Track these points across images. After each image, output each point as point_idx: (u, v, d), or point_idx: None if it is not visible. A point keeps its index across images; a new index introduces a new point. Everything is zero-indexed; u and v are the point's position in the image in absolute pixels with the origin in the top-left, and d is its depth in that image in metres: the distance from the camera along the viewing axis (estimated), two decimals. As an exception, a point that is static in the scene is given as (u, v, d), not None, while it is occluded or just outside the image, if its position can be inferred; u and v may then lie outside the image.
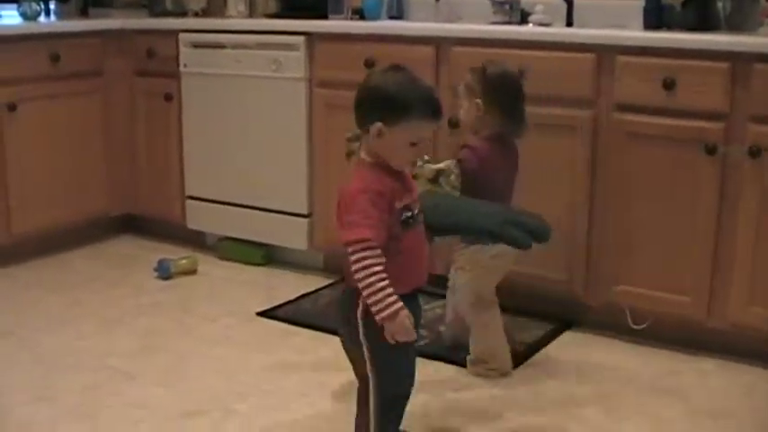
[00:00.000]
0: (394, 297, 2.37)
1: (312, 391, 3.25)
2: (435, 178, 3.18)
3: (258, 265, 4.57)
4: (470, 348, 3.42)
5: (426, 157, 3.19)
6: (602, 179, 3.59)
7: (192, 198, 4.76)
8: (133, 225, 5.12)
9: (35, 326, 3.82)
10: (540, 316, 3.84)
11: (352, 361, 2.65)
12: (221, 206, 4.65)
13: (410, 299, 2.50)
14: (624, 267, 3.58)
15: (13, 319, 3.89)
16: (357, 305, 2.48)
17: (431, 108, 2.48)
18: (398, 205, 2.48)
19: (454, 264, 3.45)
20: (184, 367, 3.45)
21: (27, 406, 3.14)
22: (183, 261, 4.47)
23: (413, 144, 2.46)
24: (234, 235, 4.67)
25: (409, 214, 2.50)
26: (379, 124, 2.44)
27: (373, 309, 2.38)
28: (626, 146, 3.50)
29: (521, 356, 3.51)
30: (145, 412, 3.11)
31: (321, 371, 3.40)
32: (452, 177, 3.21)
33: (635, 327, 3.65)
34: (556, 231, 3.65)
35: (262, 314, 3.93)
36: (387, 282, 2.37)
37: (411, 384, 2.64)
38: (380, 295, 2.37)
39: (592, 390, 3.27)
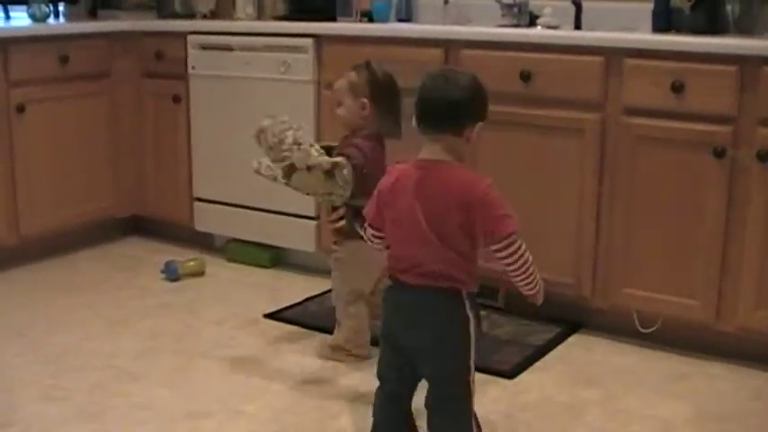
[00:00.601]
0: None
1: (320, 393, 3.25)
2: (331, 171, 3.17)
3: (265, 267, 4.57)
4: (334, 336, 3.52)
5: (294, 137, 3.23)
6: (609, 182, 3.58)
7: (199, 200, 4.76)
8: (141, 226, 5.13)
9: (43, 326, 3.83)
10: (547, 319, 3.83)
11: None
12: (229, 208, 4.66)
13: None
14: (632, 270, 3.57)
15: (21, 320, 3.90)
16: (464, 303, 2.54)
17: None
18: None
19: (334, 253, 3.52)
20: (191, 369, 3.46)
21: (36, 405, 3.14)
22: (191, 263, 4.47)
23: None
24: (241, 237, 4.67)
25: None
26: (480, 125, 2.55)
27: (533, 287, 2.57)
28: (634, 149, 3.49)
29: (529, 360, 3.50)
30: (151, 413, 3.11)
31: (328, 373, 3.40)
32: (345, 172, 3.18)
33: (643, 330, 3.64)
34: (564, 234, 3.66)
35: (269, 316, 3.93)
36: None
37: None
38: (533, 268, 2.55)
39: (599, 393, 3.27)
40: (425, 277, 2.52)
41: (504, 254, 2.51)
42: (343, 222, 3.32)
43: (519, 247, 2.52)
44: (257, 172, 3.30)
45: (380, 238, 2.67)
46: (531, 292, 2.60)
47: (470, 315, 2.55)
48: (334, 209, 3.36)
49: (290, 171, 3.21)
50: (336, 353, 3.50)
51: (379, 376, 2.70)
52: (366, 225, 2.68)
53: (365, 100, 3.39)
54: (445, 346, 2.53)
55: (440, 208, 2.48)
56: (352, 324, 3.49)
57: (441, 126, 2.52)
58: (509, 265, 2.53)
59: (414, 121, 2.57)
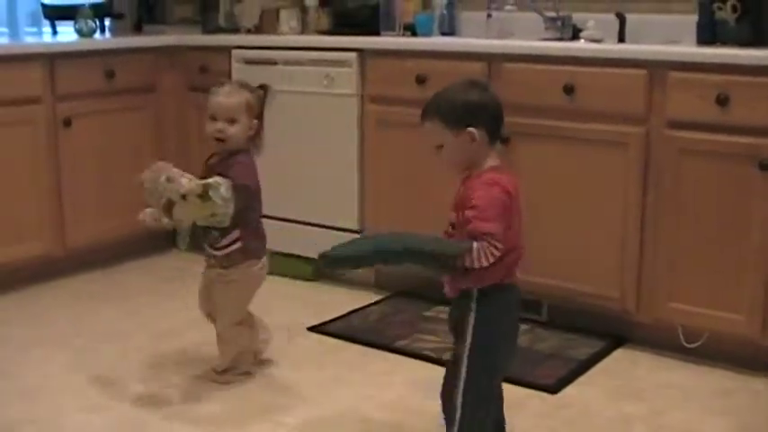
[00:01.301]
0: None
1: (361, 406, 3.25)
2: (205, 193, 3.14)
3: (308, 280, 4.58)
4: (219, 360, 3.47)
5: (166, 176, 3.19)
6: (654, 195, 3.56)
7: (243, 213, 4.78)
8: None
9: (89, 337, 3.86)
10: (591, 333, 3.82)
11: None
12: (272, 221, 4.67)
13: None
14: (677, 284, 3.54)
15: (67, 330, 3.93)
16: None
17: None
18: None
19: (223, 277, 3.41)
20: (235, 381, 3.47)
21: (81, 415, 3.17)
22: (235, 275, 4.49)
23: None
24: (285, 250, 4.68)
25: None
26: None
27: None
28: (678, 162, 3.47)
29: (572, 374, 3.49)
30: (195, 425, 3.12)
31: (371, 386, 3.40)
32: (222, 189, 3.16)
33: (687, 345, 3.61)
34: (608, 248, 3.64)
35: (312, 329, 3.94)
36: None
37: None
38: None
39: (643, 408, 3.24)
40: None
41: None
42: (239, 245, 3.35)
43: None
44: (143, 221, 3.30)
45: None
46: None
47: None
48: (224, 234, 3.33)
49: (169, 207, 3.19)
50: (225, 375, 3.46)
51: (502, 368, 2.73)
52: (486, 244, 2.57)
53: (256, 121, 3.40)
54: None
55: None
56: (241, 343, 3.47)
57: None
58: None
59: (488, 136, 2.61)
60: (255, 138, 3.43)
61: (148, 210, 3.28)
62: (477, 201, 2.54)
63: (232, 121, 3.33)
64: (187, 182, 3.16)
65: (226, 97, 3.36)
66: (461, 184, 2.64)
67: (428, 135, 2.63)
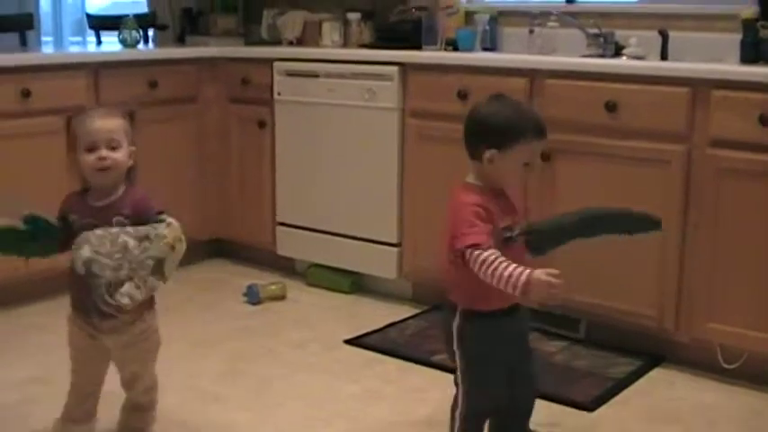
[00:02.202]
0: (520, 268, 2.50)
1: (397, 420, 3.25)
2: (179, 234, 2.93)
3: (346, 292, 4.59)
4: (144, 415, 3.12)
5: (130, 239, 2.82)
6: (695, 214, 3.54)
7: (282, 224, 4.81)
8: (224, 249, 5.19)
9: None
10: (629, 351, 3.79)
11: None
12: (312, 233, 4.69)
13: (510, 314, 2.72)
14: (716, 304, 3.52)
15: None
16: (454, 316, 2.69)
17: (540, 130, 2.68)
18: (501, 224, 2.65)
19: (145, 329, 3.01)
20: (270, 392, 3.48)
21: (116, 423, 3.18)
22: (272, 287, 4.51)
23: (526, 164, 2.69)
24: (323, 262, 4.70)
25: (510, 234, 2.66)
26: (493, 151, 2.63)
27: (508, 287, 2.50)
28: (720, 181, 3.45)
29: (609, 393, 3.47)
30: (231, 435, 3.14)
31: (406, 400, 3.40)
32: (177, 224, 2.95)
33: (726, 365, 3.58)
34: (647, 266, 3.62)
35: (349, 342, 3.94)
36: (507, 263, 2.52)
37: (498, 400, 2.75)
38: (507, 273, 2.50)
39: (679, 429, 3.22)
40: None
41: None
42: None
43: (476, 259, 2.56)
44: (127, 306, 2.81)
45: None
46: (515, 292, 2.52)
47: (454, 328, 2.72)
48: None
49: (159, 267, 2.86)
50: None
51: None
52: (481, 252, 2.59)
53: (133, 148, 3.00)
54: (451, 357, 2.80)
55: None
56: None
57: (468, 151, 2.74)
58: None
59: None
60: (131, 169, 2.99)
61: (127, 290, 2.78)
62: None
63: (114, 148, 2.88)
64: (165, 229, 2.88)
65: (103, 120, 2.89)
66: (504, 196, 2.75)
67: (529, 153, 2.69)
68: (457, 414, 2.77)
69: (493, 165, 2.65)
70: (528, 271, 2.50)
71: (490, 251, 2.54)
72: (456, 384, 2.79)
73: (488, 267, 2.52)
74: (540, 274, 2.50)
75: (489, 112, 2.71)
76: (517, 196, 2.86)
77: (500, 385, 2.73)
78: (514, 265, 2.52)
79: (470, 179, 2.73)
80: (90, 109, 3.03)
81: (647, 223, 2.87)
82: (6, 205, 2.86)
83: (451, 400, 2.80)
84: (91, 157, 2.83)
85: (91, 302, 2.77)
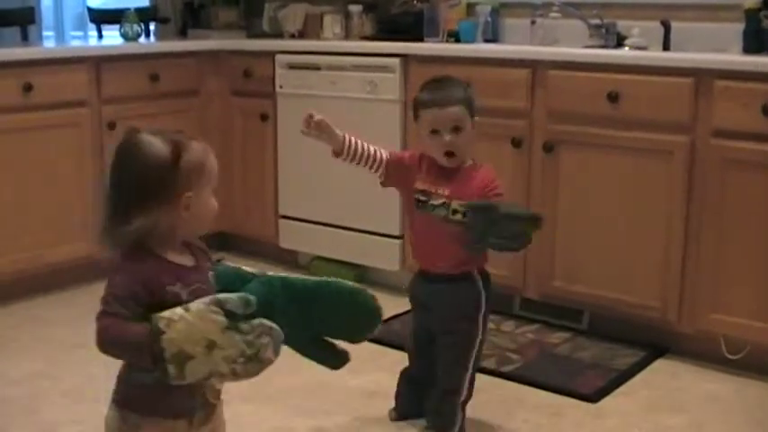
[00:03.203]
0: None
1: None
2: None
3: (349, 284, 4.58)
4: None
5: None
6: (698, 205, 3.53)
7: (285, 217, 4.81)
8: (227, 243, 5.18)
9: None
10: (632, 342, 3.79)
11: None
12: (314, 226, 4.69)
13: (419, 280, 3.06)
14: (720, 295, 3.51)
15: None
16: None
17: (434, 100, 2.93)
18: (419, 186, 2.95)
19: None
20: (273, 384, 3.48)
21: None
22: (275, 280, 4.50)
23: (435, 132, 2.91)
24: (326, 255, 4.70)
25: (424, 198, 2.93)
26: (416, 125, 3.03)
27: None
28: (723, 172, 3.44)
29: (613, 384, 3.47)
30: (234, 427, 3.13)
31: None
32: None
33: (730, 356, 3.58)
34: (651, 257, 3.61)
35: (352, 334, 3.94)
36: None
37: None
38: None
39: (683, 420, 3.22)
40: None
41: None
42: None
43: None
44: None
45: None
46: None
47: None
48: None
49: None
50: None
51: None
52: None
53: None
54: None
55: None
56: None
57: None
58: None
59: None
60: None
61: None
62: (501, 189, 2.92)
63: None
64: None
65: (212, 156, 2.39)
66: (454, 175, 2.93)
67: (450, 118, 2.90)
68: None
69: (418, 134, 3.00)
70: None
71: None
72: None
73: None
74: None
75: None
76: (476, 178, 2.94)
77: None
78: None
79: None
80: (187, 141, 2.34)
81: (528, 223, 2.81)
82: None
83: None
84: (212, 201, 2.35)
85: (199, 397, 2.25)
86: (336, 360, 2.43)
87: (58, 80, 4.30)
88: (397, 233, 4.37)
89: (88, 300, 4.36)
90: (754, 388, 3.47)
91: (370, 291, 2.31)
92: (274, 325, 2.06)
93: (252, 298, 2.02)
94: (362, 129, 4.40)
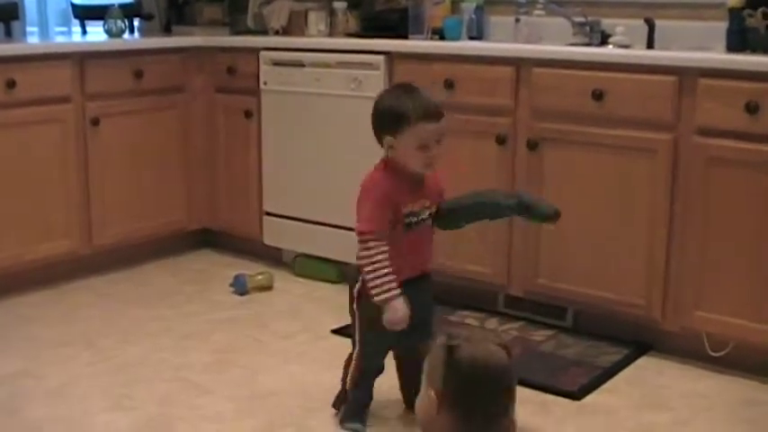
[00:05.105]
0: (394, 284, 2.86)
1: (385, 410, 3.25)
2: None
3: (333, 282, 4.59)
4: None
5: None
6: (681, 203, 3.54)
7: (269, 214, 4.80)
8: (211, 240, 5.18)
9: (114, 337, 3.88)
10: (616, 340, 3.80)
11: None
12: (298, 223, 4.68)
13: (412, 284, 2.98)
14: (703, 293, 3.52)
15: (92, 329, 3.95)
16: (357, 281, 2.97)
17: (426, 113, 2.86)
18: (405, 210, 2.92)
19: None
20: (258, 383, 3.48)
21: (106, 414, 3.19)
22: (259, 277, 4.50)
23: (423, 147, 2.87)
24: (310, 252, 4.69)
25: (414, 219, 2.95)
26: (389, 138, 2.91)
27: (377, 289, 2.86)
28: (707, 170, 3.45)
29: (597, 381, 3.47)
30: (219, 426, 3.13)
31: (394, 389, 3.40)
32: None
33: (713, 353, 3.59)
34: (635, 254, 3.62)
35: (336, 331, 3.94)
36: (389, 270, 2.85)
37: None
38: (378, 283, 2.86)
39: (667, 417, 3.23)
40: None
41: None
42: None
43: (363, 249, 2.89)
44: None
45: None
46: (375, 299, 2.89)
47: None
48: None
49: None
50: None
51: None
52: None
53: None
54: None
55: None
56: None
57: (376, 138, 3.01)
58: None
59: None
60: None
61: None
62: None
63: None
64: None
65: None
66: (420, 180, 2.98)
67: (444, 130, 2.92)
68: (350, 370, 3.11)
69: (393, 150, 2.92)
70: (397, 293, 2.86)
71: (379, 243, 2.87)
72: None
73: (370, 262, 2.88)
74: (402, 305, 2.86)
75: (381, 101, 2.98)
76: (429, 176, 3.02)
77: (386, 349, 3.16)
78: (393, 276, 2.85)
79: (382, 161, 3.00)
80: None
81: (542, 214, 3.06)
82: None
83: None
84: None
85: None
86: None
87: (42, 76, 4.28)
88: (381, 230, 4.36)
89: (70, 298, 4.39)
90: (738, 385, 3.48)
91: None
92: None
93: None
94: (347, 126, 4.42)
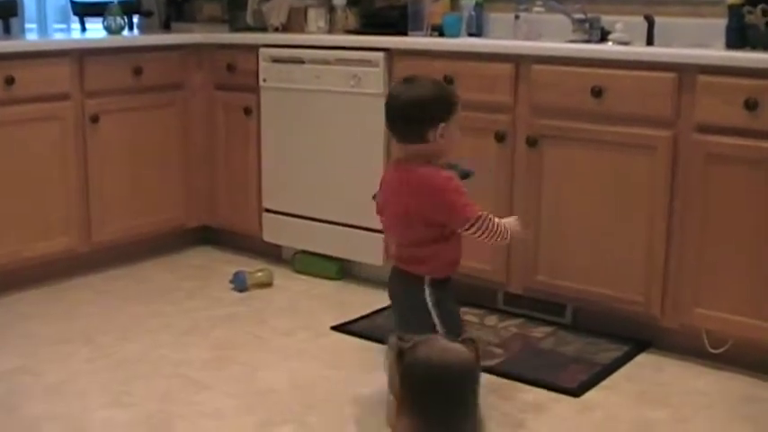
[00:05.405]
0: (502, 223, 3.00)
1: (385, 406, 3.24)
2: None
3: (332, 279, 4.59)
4: None
5: None
6: (681, 200, 3.54)
7: (268, 211, 4.80)
8: (210, 237, 5.18)
9: (113, 333, 3.87)
10: (615, 337, 3.80)
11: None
12: (298, 220, 4.68)
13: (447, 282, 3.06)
14: (703, 290, 3.52)
15: (91, 326, 3.95)
16: (423, 281, 3.00)
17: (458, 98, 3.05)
18: None
19: None
20: (258, 379, 3.48)
21: (106, 411, 3.19)
22: (259, 274, 4.50)
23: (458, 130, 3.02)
24: (309, 249, 4.69)
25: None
26: (442, 125, 2.93)
27: (501, 239, 3.01)
28: (706, 167, 3.45)
29: (596, 378, 3.47)
30: (218, 423, 3.13)
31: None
32: None
33: (712, 350, 3.59)
34: (634, 251, 3.62)
35: (336, 328, 3.94)
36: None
37: None
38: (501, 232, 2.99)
39: (666, 414, 3.23)
40: (400, 260, 3.08)
41: (470, 233, 2.96)
42: None
43: (480, 227, 2.94)
44: None
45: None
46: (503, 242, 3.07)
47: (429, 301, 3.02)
48: None
49: None
50: None
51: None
52: None
53: None
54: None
55: (403, 197, 2.99)
56: None
57: (402, 136, 3.02)
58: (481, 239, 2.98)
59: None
60: None
61: None
62: None
63: None
64: None
65: None
66: None
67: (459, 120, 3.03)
68: None
69: (444, 138, 2.95)
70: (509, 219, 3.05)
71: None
72: None
73: (493, 229, 2.96)
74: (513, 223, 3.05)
75: (424, 91, 2.99)
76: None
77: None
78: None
79: (414, 158, 2.99)
80: None
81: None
82: None
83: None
84: None
85: None
86: None
87: (41, 73, 4.28)
88: (379, 227, 4.36)
89: (69, 295, 4.39)
90: (737, 382, 3.48)
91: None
92: None
93: None
94: (346, 123, 4.42)
